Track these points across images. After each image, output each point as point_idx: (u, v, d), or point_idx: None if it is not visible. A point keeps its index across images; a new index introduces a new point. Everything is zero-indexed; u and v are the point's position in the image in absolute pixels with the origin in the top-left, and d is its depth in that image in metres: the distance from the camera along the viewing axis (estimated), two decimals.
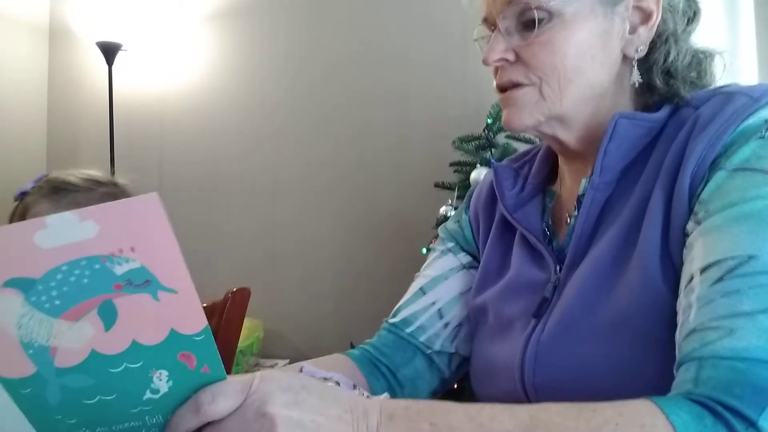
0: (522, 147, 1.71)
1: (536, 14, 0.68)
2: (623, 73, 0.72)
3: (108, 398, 0.47)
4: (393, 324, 0.87)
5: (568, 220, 0.76)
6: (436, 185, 1.99)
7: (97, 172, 1.17)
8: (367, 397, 0.57)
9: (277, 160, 2.55)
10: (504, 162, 0.87)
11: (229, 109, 2.64)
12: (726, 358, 0.51)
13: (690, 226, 0.61)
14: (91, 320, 0.43)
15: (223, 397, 0.48)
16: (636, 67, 0.72)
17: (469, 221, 0.90)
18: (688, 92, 0.71)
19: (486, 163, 1.85)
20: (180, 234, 0.42)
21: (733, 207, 0.58)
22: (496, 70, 0.73)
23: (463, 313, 0.85)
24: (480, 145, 1.91)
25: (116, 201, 0.40)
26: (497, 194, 0.83)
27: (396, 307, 0.89)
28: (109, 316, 0.43)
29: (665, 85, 0.71)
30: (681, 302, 0.58)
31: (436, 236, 0.96)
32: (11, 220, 1.13)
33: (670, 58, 0.71)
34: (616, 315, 0.63)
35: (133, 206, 0.40)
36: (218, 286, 1.39)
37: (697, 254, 0.58)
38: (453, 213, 0.95)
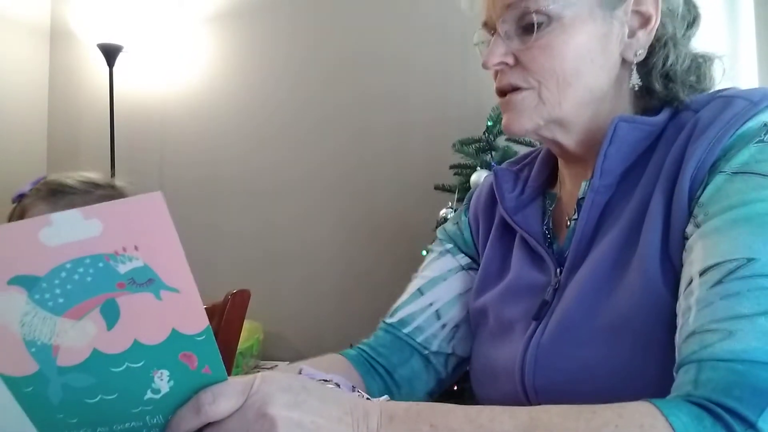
0: (522, 150, 1.71)
1: (535, 18, 0.68)
2: (622, 77, 0.72)
3: (109, 398, 0.47)
4: (390, 324, 0.87)
5: (568, 223, 0.76)
6: (436, 188, 1.99)
7: (95, 175, 1.18)
8: (367, 398, 0.57)
9: (278, 161, 2.55)
10: (504, 165, 0.87)
11: (230, 110, 2.64)
12: (725, 360, 0.51)
13: (689, 228, 0.61)
14: (94, 319, 0.43)
15: (224, 397, 0.48)
16: (635, 71, 0.72)
17: (469, 223, 0.90)
18: (688, 96, 0.71)
19: (486, 165, 1.85)
20: (180, 235, 0.42)
21: (732, 210, 0.58)
22: (496, 73, 0.74)
23: (460, 314, 0.86)
24: (480, 148, 1.91)
25: (121, 199, 0.40)
26: (497, 197, 0.83)
27: (393, 307, 0.89)
28: (111, 314, 0.43)
29: (664, 89, 0.72)
30: (680, 305, 0.58)
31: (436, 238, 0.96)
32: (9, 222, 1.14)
33: (669, 62, 0.71)
34: (617, 317, 0.64)
35: (137, 205, 0.40)
36: (218, 288, 1.39)
37: (696, 257, 0.58)
38: (452, 215, 0.95)
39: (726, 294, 0.54)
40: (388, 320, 0.88)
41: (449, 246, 0.90)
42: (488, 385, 0.77)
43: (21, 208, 1.14)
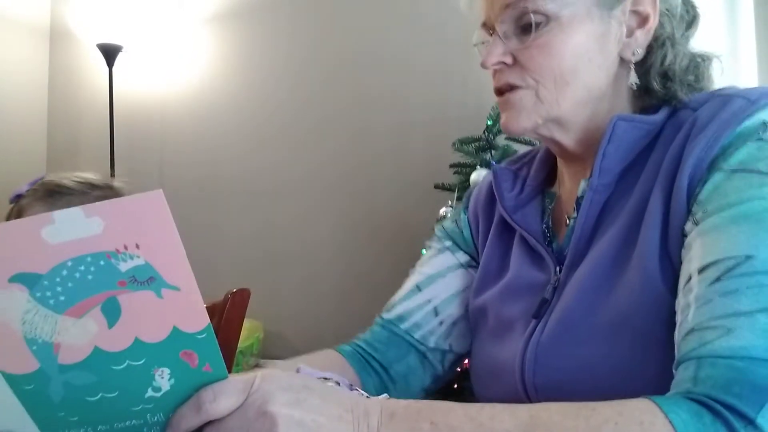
0: (522, 149, 1.71)
1: (533, 18, 0.68)
2: (620, 76, 0.73)
3: (110, 396, 0.47)
4: (387, 320, 0.87)
5: (568, 221, 0.76)
6: (436, 186, 1.99)
7: (93, 175, 1.18)
8: (367, 397, 0.57)
9: (278, 161, 2.56)
10: (503, 164, 0.87)
11: (230, 110, 2.65)
12: (724, 357, 0.52)
13: (688, 226, 0.61)
14: (95, 317, 0.43)
15: (225, 395, 0.48)
16: (633, 70, 0.72)
17: (468, 221, 0.90)
18: (686, 95, 0.71)
19: (486, 164, 1.85)
20: (180, 234, 0.42)
21: (731, 208, 0.58)
22: (495, 73, 0.74)
23: (458, 311, 0.86)
24: (480, 147, 1.91)
25: (122, 198, 0.40)
26: (496, 196, 0.83)
27: (390, 303, 0.89)
28: (112, 312, 0.44)
29: (663, 88, 0.72)
30: (680, 302, 0.59)
31: None
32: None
33: (667, 61, 0.71)
34: (616, 315, 0.64)
35: (138, 203, 0.40)
36: (218, 287, 1.39)
37: (695, 254, 0.58)
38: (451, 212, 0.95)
39: (725, 291, 0.54)
40: (385, 316, 0.88)
41: (448, 243, 0.90)
42: (488, 383, 0.78)
43: (18, 209, 1.14)
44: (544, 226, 0.79)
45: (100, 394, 0.47)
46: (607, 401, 0.52)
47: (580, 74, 0.70)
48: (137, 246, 0.41)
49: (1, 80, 2.72)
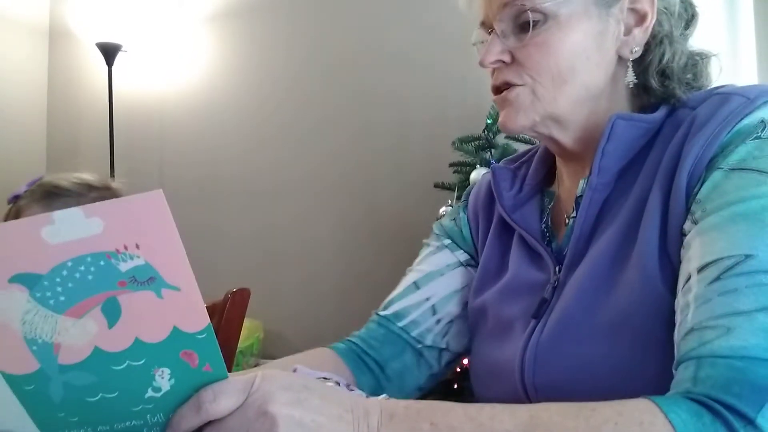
0: (522, 148, 1.71)
1: (531, 16, 0.69)
2: (619, 74, 0.73)
3: (110, 396, 0.47)
4: (384, 317, 0.87)
5: (567, 221, 0.76)
6: (436, 186, 1.99)
7: (91, 176, 1.18)
8: (367, 396, 0.57)
9: (278, 160, 2.55)
10: (501, 163, 0.87)
11: (230, 110, 2.64)
12: (724, 357, 0.52)
13: (687, 225, 0.61)
14: (95, 317, 0.43)
15: (225, 395, 0.48)
16: (631, 68, 0.72)
17: (468, 220, 0.90)
18: (684, 93, 0.71)
19: (485, 163, 1.85)
20: (180, 235, 0.42)
21: (730, 206, 0.58)
22: (494, 72, 0.74)
23: (456, 310, 0.86)
24: (480, 146, 1.91)
25: (122, 198, 0.40)
26: (495, 195, 0.83)
27: (387, 300, 0.88)
28: (112, 313, 0.44)
29: (661, 86, 0.72)
30: (679, 301, 0.59)
31: None
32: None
33: (665, 59, 0.72)
34: (616, 315, 0.64)
35: (138, 203, 0.40)
36: (219, 287, 1.39)
37: (694, 254, 0.58)
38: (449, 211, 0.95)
39: (724, 290, 0.54)
40: (382, 313, 0.87)
41: (447, 242, 0.89)
42: (488, 383, 0.77)
43: (16, 209, 1.15)
44: (543, 225, 0.79)
45: (100, 395, 0.47)
46: (607, 401, 0.52)
47: (578, 72, 0.70)
48: (137, 246, 0.41)
49: (1, 80, 2.72)
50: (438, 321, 0.85)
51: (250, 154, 2.60)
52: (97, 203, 0.40)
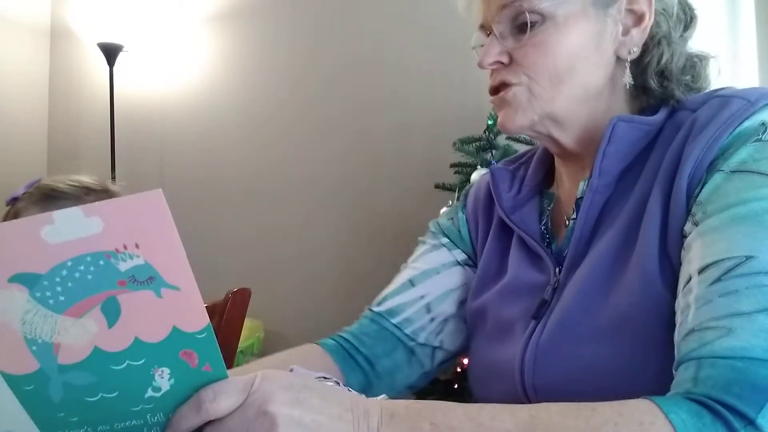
0: (523, 148, 1.71)
1: (529, 17, 0.69)
2: (617, 75, 0.73)
3: (110, 396, 0.47)
4: (378, 313, 0.86)
5: (567, 222, 0.76)
6: (437, 186, 1.99)
7: (89, 179, 1.18)
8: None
9: (280, 161, 2.56)
10: (500, 164, 0.87)
11: (231, 110, 2.65)
12: (725, 358, 0.52)
13: (688, 227, 0.61)
14: (95, 317, 0.43)
15: (225, 395, 0.48)
16: (628, 69, 0.72)
17: (467, 220, 0.89)
18: (683, 94, 0.71)
19: (486, 164, 1.85)
20: (181, 235, 0.42)
21: (730, 208, 0.58)
22: (492, 73, 0.74)
23: (451, 308, 0.85)
24: (480, 147, 1.91)
25: (121, 197, 0.40)
26: (494, 196, 0.83)
27: (381, 296, 0.88)
28: (112, 312, 0.44)
29: (660, 87, 0.72)
30: (679, 303, 0.59)
31: None
32: None
33: (664, 60, 0.72)
34: (616, 316, 0.64)
35: (137, 202, 0.40)
36: (219, 287, 1.39)
37: (695, 255, 0.58)
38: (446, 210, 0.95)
39: (725, 292, 0.54)
40: (376, 308, 0.87)
41: (445, 240, 0.89)
42: (487, 384, 0.77)
43: (14, 212, 1.15)
44: (543, 227, 0.79)
45: (100, 395, 0.47)
46: (607, 402, 0.52)
47: (577, 72, 0.70)
48: (137, 245, 0.41)
49: (2, 80, 2.73)
50: (432, 319, 0.85)
51: (251, 154, 2.60)
52: (96, 203, 0.40)
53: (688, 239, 0.61)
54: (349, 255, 2.43)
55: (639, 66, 0.73)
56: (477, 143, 1.92)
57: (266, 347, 2.43)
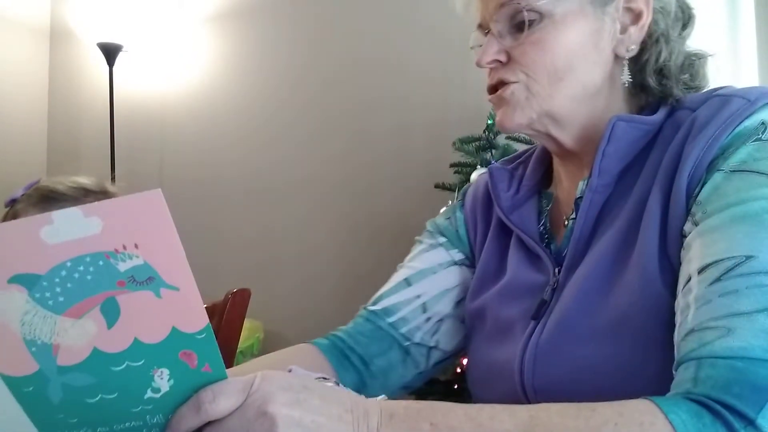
0: (522, 148, 1.71)
1: (527, 15, 0.69)
2: (615, 73, 0.73)
3: (109, 397, 0.47)
4: (373, 312, 0.86)
5: (566, 222, 0.76)
6: (437, 186, 1.99)
7: (87, 180, 1.18)
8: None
9: (279, 161, 2.55)
10: (498, 163, 0.87)
11: (231, 111, 2.64)
12: (724, 358, 0.52)
13: (687, 227, 0.61)
14: (94, 317, 0.43)
15: (224, 396, 0.48)
16: (627, 67, 0.72)
17: (465, 220, 0.89)
18: (682, 92, 0.71)
19: (486, 164, 1.85)
20: (181, 235, 0.42)
21: (730, 208, 0.58)
22: (490, 72, 0.74)
23: (447, 308, 0.85)
24: (480, 146, 1.91)
25: (121, 197, 0.40)
26: (492, 196, 0.83)
27: (377, 295, 0.87)
28: (112, 313, 0.43)
29: (659, 85, 0.72)
30: (679, 303, 0.59)
31: None
32: None
33: (662, 58, 0.72)
34: (616, 316, 0.64)
35: (137, 202, 0.40)
36: (219, 288, 1.39)
37: (694, 255, 0.58)
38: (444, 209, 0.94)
39: (725, 291, 0.54)
40: (371, 307, 0.86)
41: (442, 240, 0.89)
42: (486, 385, 0.77)
43: (13, 213, 1.15)
44: (542, 227, 0.79)
45: (100, 396, 0.46)
46: (607, 402, 0.52)
47: (575, 70, 0.70)
48: (136, 246, 0.41)
49: (1, 80, 2.72)
50: (428, 319, 0.84)
51: (251, 155, 2.60)
52: (96, 203, 0.40)
53: (687, 239, 0.60)
54: (349, 255, 2.42)
55: (637, 64, 0.73)
56: (477, 143, 1.92)
57: (266, 348, 2.43)
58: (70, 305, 0.43)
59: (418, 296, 0.85)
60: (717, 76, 0.76)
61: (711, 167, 0.61)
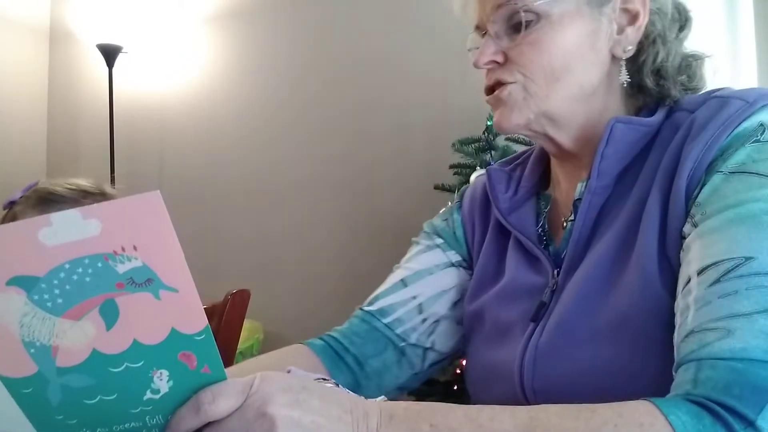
0: (522, 149, 1.71)
1: (523, 16, 0.69)
2: (613, 73, 0.73)
3: (108, 398, 0.47)
4: (369, 312, 0.86)
5: (565, 224, 0.76)
6: (437, 187, 1.99)
7: (86, 182, 1.18)
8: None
9: (279, 162, 2.55)
10: (495, 165, 0.87)
11: (230, 112, 2.64)
12: (724, 359, 0.52)
13: (687, 228, 0.61)
14: (93, 319, 0.43)
15: (224, 397, 0.48)
16: (624, 67, 0.72)
17: (463, 222, 0.89)
18: (679, 93, 0.72)
19: (486, 165, 1.85)
20: (180, 236, 0.42)
21: (729, 209, 0.58)
22: (487, 73, 0.74)
23: (443, 309, 0.85)
24: (480, 148, 1.92)
25: (119, 199, 0.40)
26: (491, 198, 0.83)
27: (373, 296, 0.87)
28: (110, 315, 0.43)
29: (656, 86, 0.72)
30: (679, 304, 0.59)
31: None
32: None
33: (659, 59, 0.72)
34: (615, 318, 0.64)
35: (135, 204, 0.40)
36: (219, 288, 1.39)
37: (694, 256, 0.58)
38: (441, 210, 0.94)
39: (724, 293, 0.54)
40: (367, 308, 0.86)
41: (439, 241, 0.88)
42: (486, 387, 0.77)
43: (11, 215, 1.15)
44: (540, 229, 0.79)
45: (99, 397, 0.46)
46: (607, 403, 0.52)
47: (572, 71, 0.70)
48: (135, 248, 0.41)
49: (1, 80, 2.72)
50: (424, 320, 0.84)
51: (251, 155, 2.60)
52: (94, 205, 0.40)
53: (687, 240, 0.60)
54: (349, 255, 2.42)
55: (635, 64, 0.73)
56: (476, 144, 1.92)
57: (266, 349, 2.43)
58: (68, 307, 0.43)
59: (414, 297, 0.85)
60: (716, 77, 0.76)
61: (710, 169, 0.61)
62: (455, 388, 1.74)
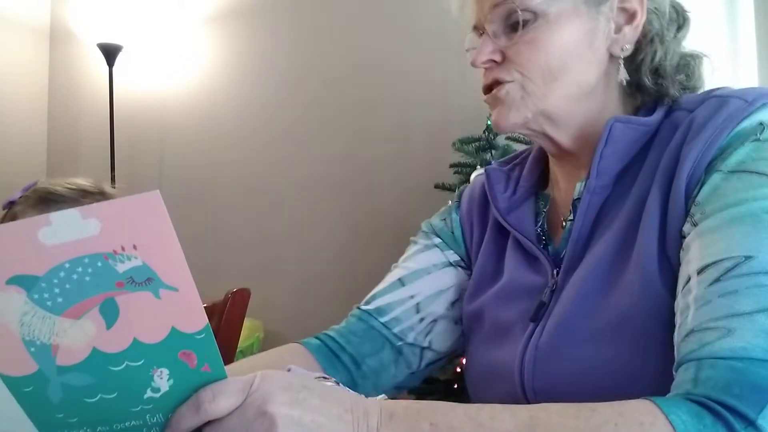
0: (522, 148, 1.71)
1: (521, 15, 0.69)
2: (611, 72, 0.73)
3: (109, 397, 0.47)
4: (366, 311, 0.85)
5: (564, 224, 0.76)
6: (437, 186, 1.99)
7: (86, 181, 1.18)
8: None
9: (279, 162, 2.55)
10: (494, 165, 0.87)
11: (231, 111, 2.64)
12: (725, 358, 0.52)
13: (686, 227, 0.61)
14: (93, 318, 0.43)
15: (224, 395, 0.48)
16: (622, 66, 0.72)
17: (461, 222, 0.88)
18: (678, 92, 0.72)
19: (486, 164, 1.85)
20: (181, 236, 0.42)
21: (729, 209, 0.58)
22: (485, 72, 0.74)
23: (441, 309, 0.84)
24: (480, 147, 1.92)
25: (119, 198, 0.40)
26: (489, 198, 0.83)
27: (370, 295, 0.87)
28: (110, 314, 0.44)
29: (654, 85, 0.72)
30: (679, 303, 0.59)
31: None
32: None
33: (657, 58, 0.72)
34: (615, 317, 0.64)
35: (135, 204, 0.40)
36: (219, 288, 1.39)
37: (694, 256, 0.58)
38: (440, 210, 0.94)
39: (724, 292, 0.54)
40: (364, 307, 0.86)
41: (437, 241, 0.88)
42: (486, 387, 0.77)
43: (11, 215, 1.15)
44: (539, 228, 0.79)
45: (99, 396, 0.47)
46: (608, 402, 0.52)
47: (569, 69, 0.70)
48: (135, 247, 0.41)
49: (1, 80, 2.73)
50: (421, 319, 0.84)
51: (251, 155, 2.60)
52: (94, 204, 0.40)
53: (687, 240, 0.60)
54: (349, 255, 2.42)
55: (633, 63, 0.73)
56: (476, 143, 1.92)
57: (266, 348, 2.41)
58: (68, 306, 0.43)
59: (412, 296, 0.84)
60: (714, 76, 0.76)
61: (710, 168, 0.61)
62: (455, 386, 1.74)
